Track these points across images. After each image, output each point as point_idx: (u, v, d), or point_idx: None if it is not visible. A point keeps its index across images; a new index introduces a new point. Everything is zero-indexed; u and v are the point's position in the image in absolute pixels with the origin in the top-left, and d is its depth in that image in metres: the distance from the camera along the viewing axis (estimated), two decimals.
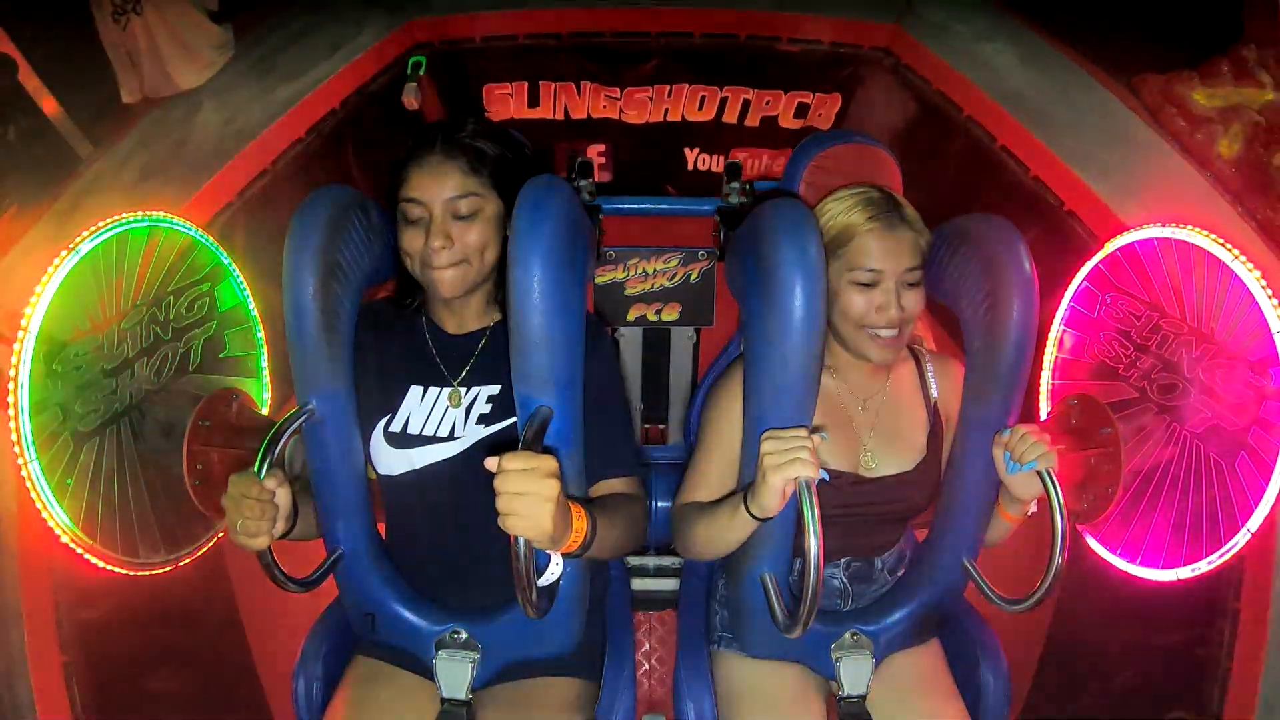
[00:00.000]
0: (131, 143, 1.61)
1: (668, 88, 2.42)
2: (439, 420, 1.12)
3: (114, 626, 1.34)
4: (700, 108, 2.44)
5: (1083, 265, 1.36)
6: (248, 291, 1.37)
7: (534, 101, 2.42)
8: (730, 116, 2.45)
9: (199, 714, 1.55)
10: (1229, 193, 1.54)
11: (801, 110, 2.41)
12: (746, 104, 2.42)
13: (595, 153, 2.55)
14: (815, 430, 1.00)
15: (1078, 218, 1.64)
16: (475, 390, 1.12)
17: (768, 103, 2.42)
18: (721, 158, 2.57)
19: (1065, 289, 1.39)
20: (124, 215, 1.14)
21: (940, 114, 2.01)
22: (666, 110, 2.45)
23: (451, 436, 1.11)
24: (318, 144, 1.88)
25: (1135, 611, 1.42)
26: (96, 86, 1.66)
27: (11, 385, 0.99)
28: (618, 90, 2.41)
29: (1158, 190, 1.55)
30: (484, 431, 1.10)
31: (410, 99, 2.04)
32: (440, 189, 1.05)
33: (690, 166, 2.61)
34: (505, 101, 2.41)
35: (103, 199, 1.46)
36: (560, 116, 2.44)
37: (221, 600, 1.65)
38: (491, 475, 0.84)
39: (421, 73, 2.11)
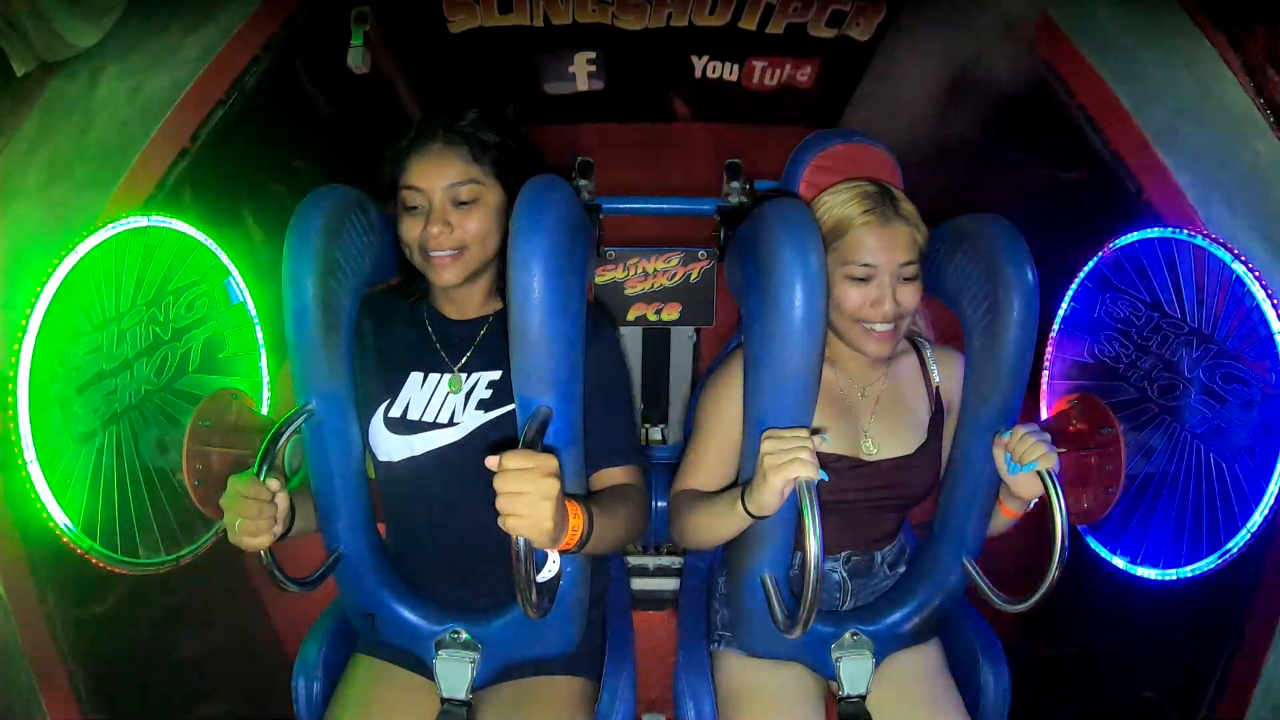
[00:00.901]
0: (33, 129, 1.33)
1: None
2: (439, 406, 1.12)
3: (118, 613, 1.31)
4: (711, 11, 2.03)
5: (1083, 265, 1.36)
6: (247, 291, 1.37)
7: (505, 7, 2.02)
8: (748, 23, 2.06)
9: (219, 683, 1.54)
10: None
11: (836, 18, 2.02)
12: (769, 9, 2.02)
13: (584, 60, 2.16)
14: (816, 431, 1.00)
15: (1154, 209, 1.36)
16: (475, 376, 1.12)
17: (795, 9, 2.01)
18: (735, 66, 2.20)
19: (1065, 289, 1.39)
20: (123, 216, 1.14)
21: (1007, 49, 1.64)
22: (670, 14, 2.03)
23: (451, 422, 1.11)
24: (245, 104, 1.52)
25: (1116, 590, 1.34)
26: None
27: (11, 385, 0.99)
28: None
29: (1248, 190, 1.30)
30: (484, 417, 1.10)
31: (357, 63, 1.71)
32: (441, 176, 1.05)
33: (698, 75, 2.23)
34: (470, 10, 2.01)
35: (11, 211, 1.26)
36: (539, 23, 2.04)
37: (236, 570, 1.63)
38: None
39: (367, 27, 1.74)
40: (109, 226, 1.11)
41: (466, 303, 1.15)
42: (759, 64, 2.20)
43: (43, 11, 1.33)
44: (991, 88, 1.67)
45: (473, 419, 1.10)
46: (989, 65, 1.68)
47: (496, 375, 1.12)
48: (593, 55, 2.18)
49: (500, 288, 1.14)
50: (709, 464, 1.15)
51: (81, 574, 1.13)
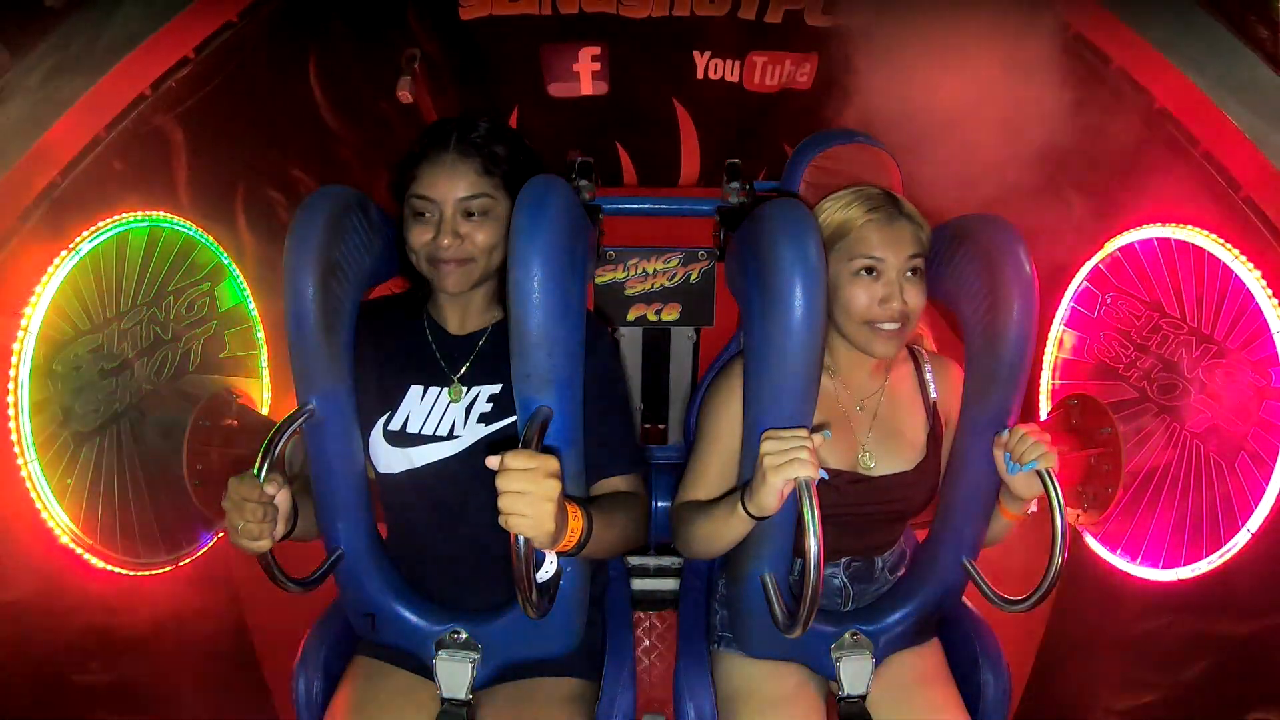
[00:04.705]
0: (47, 46, 1.36)
1: None
2: (439, 419, 1.12)
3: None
4: (712, 0, 2.13)
5: (1082, 265, 1.36)
6: (248, 291, 1.37)
7: None
8: (747, 12, 2.12)
9: (202, 710, 1.53)
10: None
11: (832, 3, 2.10)
12: None
13: (588, 56, 2.23)
14: (818, 428, 1.00)
15: (1171, 115, 1.35)
16: (476, 389, 1.13)
17: None
18: (737, 64, 2.26)
19: (1065, 288, 1.39)
20: (123, 215, 1.14)
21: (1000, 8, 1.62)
22: (672, 3, 2.12)
23: (451, 435, 1.11)
24: (255, 33, 1.56)
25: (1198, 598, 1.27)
26: None
27: (11, 385, 0.99)
28: None
29: (1254, 95, 1.28)
30: (484, 431, 1.10)
31: (404, 93, 1.97)
32: (453, 188, 1.05)
33: (700, 75, 2.30)
34: None
35: (5, 107, 1.27)
36: (547, 11, 2.12)
37: (225, 598, 1.62)
38: (491, 474, 0.84)
39: (415, 65, 1.99)
40: (109, 226, 1.11)
41: (467, 312, 1.15)
42: (759, 60, 2.24)
43: None
44: (984, 43, 1.60)
45: (473, 432, 1.11)
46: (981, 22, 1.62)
47: (497, 389, 1.12)
48: (597, 51, 2.22)
49: (502, 296, 1.14)
50: (711, 475, 1.15)
51: None
